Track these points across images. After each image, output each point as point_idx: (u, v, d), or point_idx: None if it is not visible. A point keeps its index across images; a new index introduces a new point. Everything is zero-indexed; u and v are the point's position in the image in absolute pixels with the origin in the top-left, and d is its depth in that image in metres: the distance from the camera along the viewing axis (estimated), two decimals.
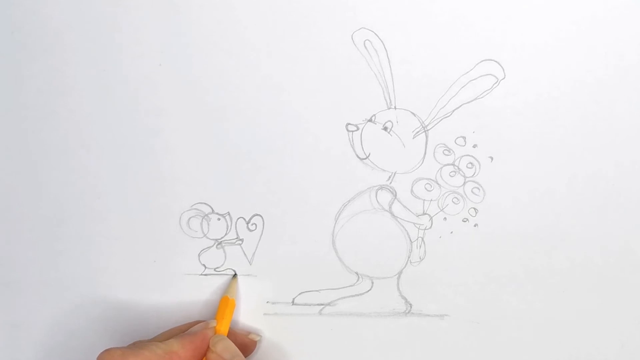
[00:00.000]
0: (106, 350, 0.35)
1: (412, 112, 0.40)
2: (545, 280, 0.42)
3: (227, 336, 0.39)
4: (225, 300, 0.40)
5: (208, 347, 0.38)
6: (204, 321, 0.39)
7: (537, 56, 0.39)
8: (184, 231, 0.41)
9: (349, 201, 0.41)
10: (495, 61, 0.39)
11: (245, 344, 0.41)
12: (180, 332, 0.38)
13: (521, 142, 0.40)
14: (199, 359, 0.37)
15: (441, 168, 0.41)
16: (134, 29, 0.39)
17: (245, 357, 0.40)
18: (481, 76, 0.39)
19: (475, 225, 0.41)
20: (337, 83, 0.39)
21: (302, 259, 0.41)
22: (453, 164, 0.41)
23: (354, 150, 0.40)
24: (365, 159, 0.40)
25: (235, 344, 0.38)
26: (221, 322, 0.39)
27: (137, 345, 0.36)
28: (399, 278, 0.42)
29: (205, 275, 0.41)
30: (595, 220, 0.41)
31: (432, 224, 0.41)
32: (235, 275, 0.41)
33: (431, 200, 0.41)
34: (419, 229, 0.41)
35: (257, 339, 0.41)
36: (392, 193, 0.41)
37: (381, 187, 0.41)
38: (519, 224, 0.41)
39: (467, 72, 0.39)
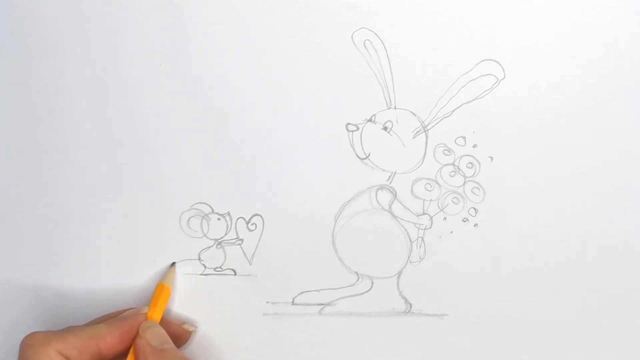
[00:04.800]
0: (30, 334, 0.34)
1: (412, 112, 0.40)
2: (546, 280, 0.42)
3: (161, 324, 0.38)
4: (160, 287, 0.39)
5: (137, 333, 0.37)
6: (136, 307, 0.39)
7: (537, 56, 0.39)
8: (184, 231, 0.41)
9: (349, 201, 0.41)
10: (495, 61, 0.39)
11: (179, 333, 0.40)
12: (112, 318, 0.38)
13: (521, 142, 0.40)
14: (127, 345, 0.37)
15: (441, 168, 0.41)
16: (134, 29, 0.39)
17: (179, 347, 0.39)
18: (481, 76, 0.39)
19: (475, 225, 0.41)
20: (337, 83, 0.39)
21: (302, 259, 0.41)
22: (453, 164, 0.41)
23: (354, 150, 0.40)
24: (365, 159, 0.40)
25: (169, 332, 0.38)
26: (154, 309, 0.38)
27: (64, 330, 0.35)
28: (398, 278, 0.42)
29: (205, 275, 0.41)
30: (595, 220, 0.41)
31: (432, 224, 0.41)
32: (173, 263, 0.41)
33: (431, 200, 0.41)
34: (419, 228, 0.41)
35: (191, 329, 0.40)
36: (392, 193, 0.41)
37: (381, 187, 0.41)
38: (519, 224, 0.41)
39: (467, 72, 0.39)
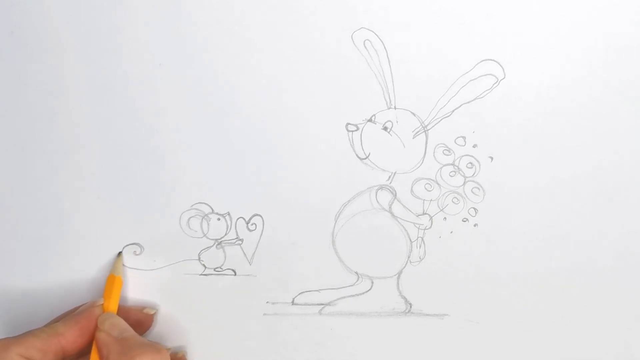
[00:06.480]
0: None
1: (412, 112, 0.40)
2: (545, 280, 0.42)
3: (119, 313, 0.38)
4: (111, 278, 0.39)
5: (96, 326, 0.37)
6: (91, 301, 0.39)
7: (537, 56, 0.39)
8: (184, 231, 0.41)
9: (349, 201, 0.41)
10: (495, 61, 0.39)
11: (141, 319, 0.40)
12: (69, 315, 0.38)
13: (521, 142, 0.40)
14: (88, 339, 0.37)
15: (441, 168, 0.41)
16: (134, 29, 0.39)
17: (142, 332, 0.40)
18: (481, 76, 0.39)
19: (475, 225, 0.41)
20: (337, 83, 0.39)
21: (302, 259, 0.41)
22: (453, 164, 0.41)
23: (354, 150, 0.40)
24: (365, 159, 0.40)
25: (130, 320, 0.38)
26: (108, 300, 0.38)
27: (23, 334, 0.36)
28: (398, 278, 0.42)
29: (205, 275, 0.41)
30: (595, 220, 0.41)
31: (432, 224, 0.41)
32: (119, 253, 0.41)
33: (431, 200, 0.41)
34: (419, 229, 0.41)
35: (152, 312, 0.41)
36: (392, 193, 0.41)
37: (381, 187, 0.41)
38: (519, 224, 0.41)
39: (467, 72, 0.39)
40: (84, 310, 0.38)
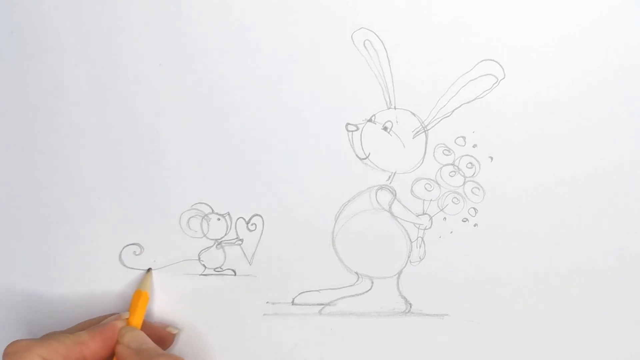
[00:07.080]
0: (12, 343, 0.34)
1: (412, 112, 0.40)
2: (546, 280, 0.42)
3: (143, 329, 0.39)
4: (138, 294, 0.40)
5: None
6: (117, 314, 0.39)
7: (537, 56, 0.39)
8: (184, 231, 0.41)
9: (349, 201, 0.41)
10: (495, 61, 0.39)
11: (163, 336, 0.40)
12: (94, 324, 0.38)
13: (521, 142, 0.40)
14: (109, 351, 0.37)
15: (441, 168, 0.41)
16: (134, 29, 0.39)
17: (164, 350, 0.39)
18: (481, 76, 0.39)
19: (475, 225, 0.41)
20: (337, 83, 0.39)
21: (302, 259, 0.41)
22: (453, 164, 0.41)
23: (354, 150, 0.40)
24: (365, 159, 0.40)
25: (152, 336, 0.38)
26: (133, 315, 0.39)
27: (46, 336, 0.36)
28: (398, 278, 0.42)
29: (205, 275, 0.41)
30: (595, 220, 0.41)
31: (432, 224, 0.41)
32: (149, 269, 0.41)
33: (431, 200, 0.41)
34: (418, 228, 0.41)
35: (174, 332, 0.41)
36: (392, 193, 0.41)
37: (381, 187, 0.41)
38: (519, 224, 0.41)
39: (467, 72, 0.39)
40: (108, 322, 0.38)
